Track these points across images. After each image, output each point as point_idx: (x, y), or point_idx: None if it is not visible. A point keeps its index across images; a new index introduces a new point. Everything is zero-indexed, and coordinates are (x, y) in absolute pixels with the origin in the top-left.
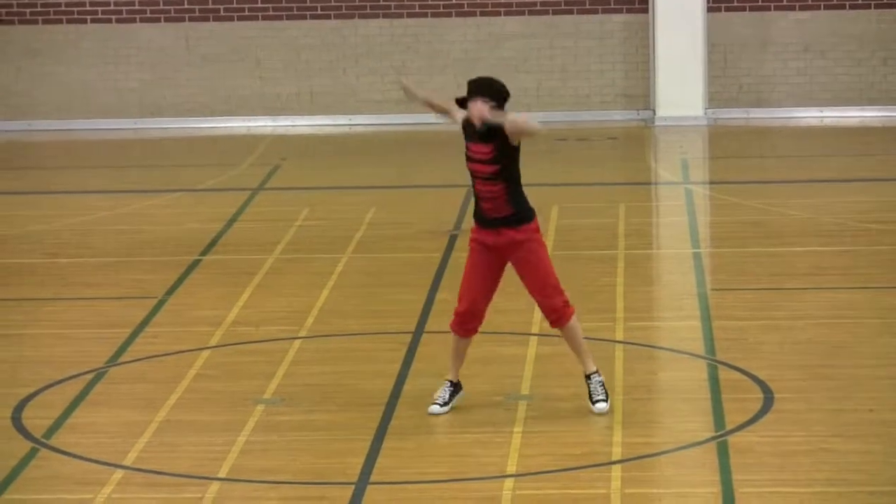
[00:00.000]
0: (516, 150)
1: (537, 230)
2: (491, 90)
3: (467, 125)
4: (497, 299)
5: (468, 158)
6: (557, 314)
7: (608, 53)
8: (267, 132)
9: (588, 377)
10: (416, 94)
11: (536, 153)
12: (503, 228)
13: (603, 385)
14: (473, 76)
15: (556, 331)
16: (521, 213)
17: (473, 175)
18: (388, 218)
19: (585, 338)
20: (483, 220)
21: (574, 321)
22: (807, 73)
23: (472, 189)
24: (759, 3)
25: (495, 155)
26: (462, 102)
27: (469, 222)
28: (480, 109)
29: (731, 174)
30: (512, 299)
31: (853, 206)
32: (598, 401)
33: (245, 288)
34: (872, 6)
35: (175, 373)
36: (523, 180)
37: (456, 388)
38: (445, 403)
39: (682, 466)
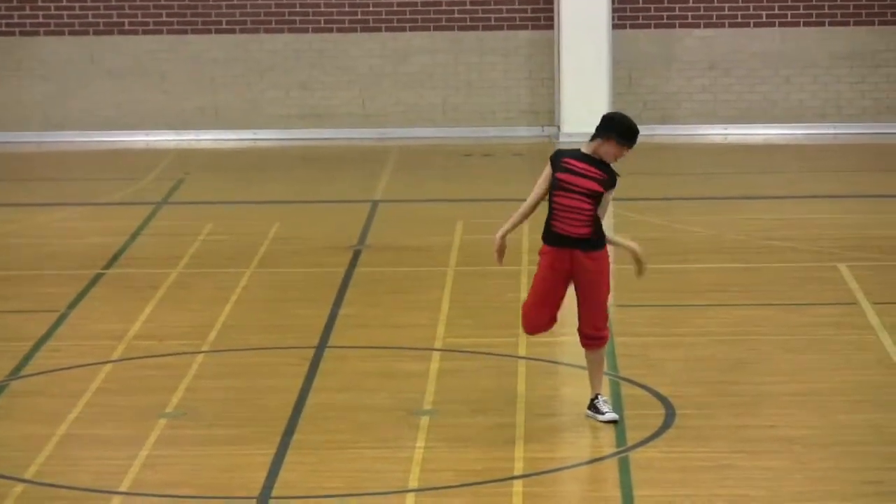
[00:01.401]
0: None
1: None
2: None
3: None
4: (401, 314)
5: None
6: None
7: (513, 69)
8: (171, 146)
9: (596, 397)
10: (505, 235)
11: (441, 168)
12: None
13: (607, 402)
14: (378, 91)
15: (458, 346)
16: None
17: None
18: (292, 233)
19: (489, 353)
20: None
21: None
22: (711, 91)
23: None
24: (664, 21)
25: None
26: (603, 135)
27: (375, 237)
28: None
29: (635, 191)
30: (414, 314)
31: (756, 223)
32: (607, 412)
33: (148, 302)
34: (776, 24)
35: (77, 387)
36: (429, 195)
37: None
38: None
39: (583, 482)
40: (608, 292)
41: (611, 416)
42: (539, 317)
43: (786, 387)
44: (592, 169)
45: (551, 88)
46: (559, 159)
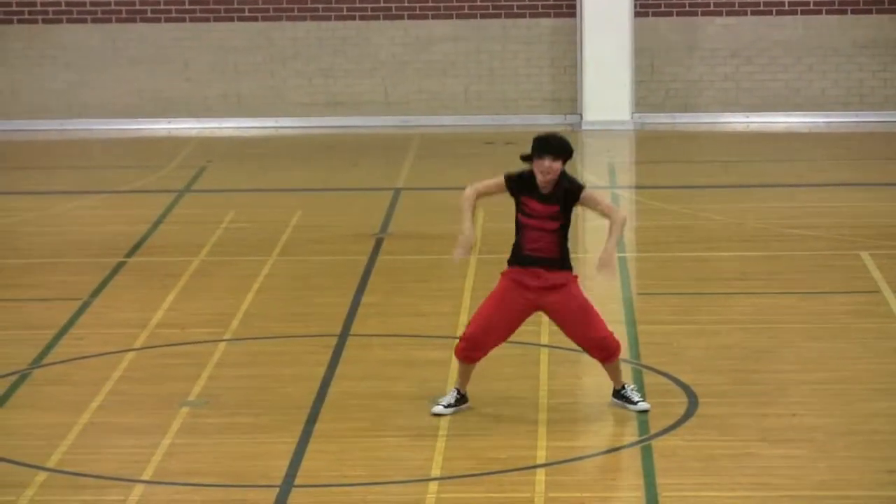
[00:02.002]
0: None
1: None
2: (560, 149)
3: (522, 183)
4: (423, 303)
5: (523, 213)
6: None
7: (536, 57)
8: (193, 134)
9: (623, 387)
10: (468, 224)
11: (464, 156)
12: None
13: (636, 391)
14: (400, 79)
15: None
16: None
17: (526, 226)
18: (314, 221)
19: (511, 341)
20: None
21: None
22: (733, 79)
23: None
24: (687, 9)
25: (559, 214)
26: (527, 158)
27: (397, 225)
28: (612, 266)
29: (658, 179)
30: (436, 303)
31: (778, 211)
32: (639, 401)
33: (170, 290)
34: (798, 12)
35: (100, 375)
36: (452, 183)
37: (462, 398)
38: (449, 406)
39: (606, 470)
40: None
41: (644, 405)
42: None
43: (808, 375)
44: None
45: (573, 76)
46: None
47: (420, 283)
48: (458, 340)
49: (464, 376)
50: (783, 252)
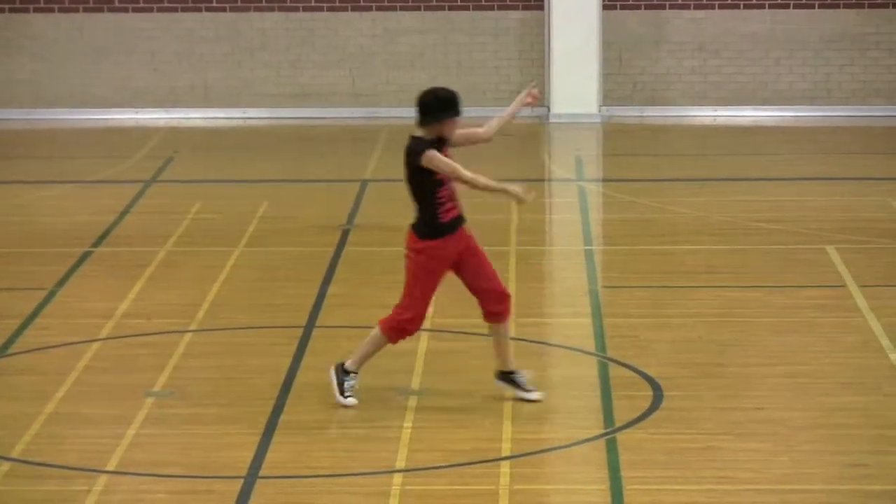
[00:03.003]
0: None
1: None
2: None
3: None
4: (389, 294)
5: (437, 182)
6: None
7: (504, 50)
8: (161, 125)
9: (515, 372)
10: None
11: None
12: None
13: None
14: (368, 70)
15: (446, 326)
16: None
17: (444, 189)
18: (280, 212)
19: (477, 333)
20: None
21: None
22: (701, 72)
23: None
24: (655, 2)
25: None
26: (436, 119)
27: (364, 217)
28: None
29: (625, 172)
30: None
31: (745, 205)
32: (534, 390)
33: (136, 280)
34: (766, 6)
35: (64, 365)
36: None
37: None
38: (352, 391)
39: (570, 463)
40: None
41: (538, 394)
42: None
43: (773, 369)
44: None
45: (541, 69)
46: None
47: (386, 274)
48: (400, 323)
49: (507, 349)
50: (749, 246)
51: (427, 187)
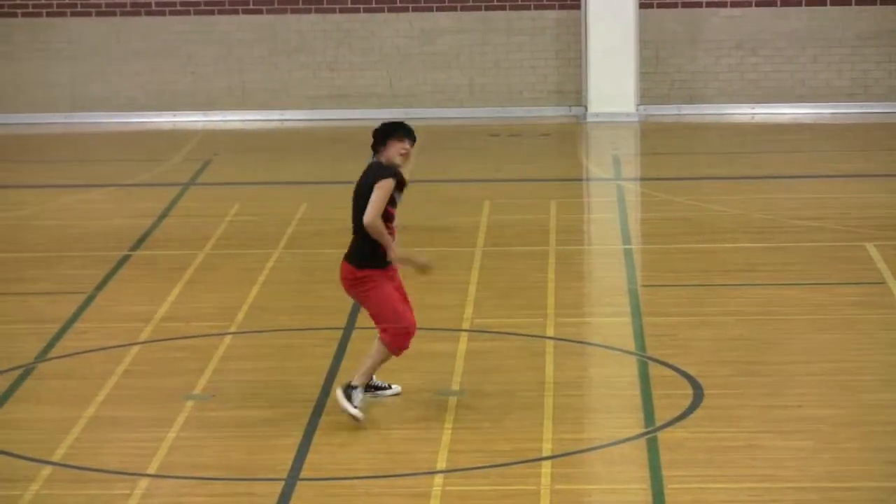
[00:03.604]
0: None
1: None
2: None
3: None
4: (428, 296)
5: (393, 205)
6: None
7: (540, 49)
8: (198, 127)
9: (355, 387)
10: (397, 249)
11: (469, 149)
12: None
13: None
14: (405, 71)
15: (486, 326)
16: None
17: (391, 220)
18: (319, 214)
19: (517, 333)
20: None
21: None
22: (738, 70)
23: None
24: (691, 0)
25: None
26: (384, 143)
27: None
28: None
29: (663, 170)
30: (441, 295)
31: (784, 202)
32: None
33: (175, 284)
34: (803, 4)
35: (104, 369)
36: (456, 176)
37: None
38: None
39: (611, 463)
40: None
41: (358, 413)
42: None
43: (813, 367)
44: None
45: (578, 68)
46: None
47: (425, 275)
48: (397, 337)
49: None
50: (788, 243)
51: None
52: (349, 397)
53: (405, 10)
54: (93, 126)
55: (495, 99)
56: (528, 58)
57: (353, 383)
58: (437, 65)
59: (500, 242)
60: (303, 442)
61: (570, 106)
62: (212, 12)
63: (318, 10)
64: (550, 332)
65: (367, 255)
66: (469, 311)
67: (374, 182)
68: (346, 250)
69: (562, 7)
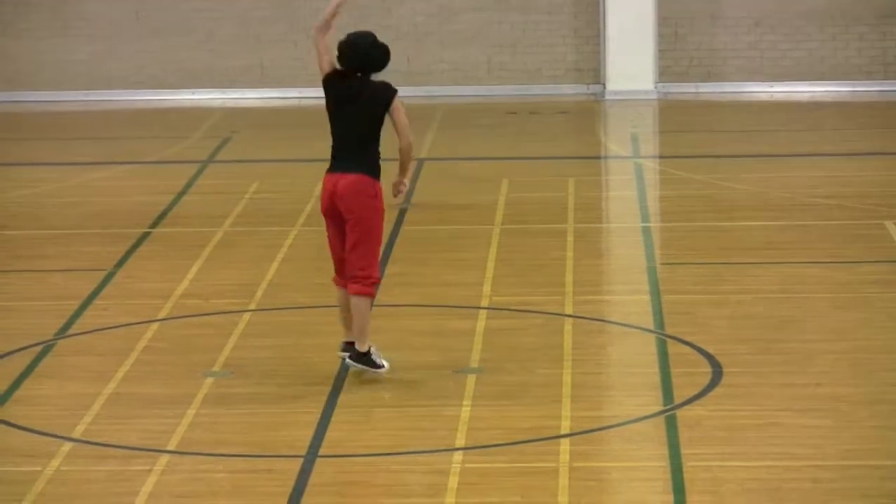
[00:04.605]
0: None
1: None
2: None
3: None
4: (447, 273)
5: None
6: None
7: (558, 27)
8: (217, 105)
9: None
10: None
11: (486, 126)
12: None
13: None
14: (422, 50)
15: (505, 304)
16: None
17: None
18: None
19: (535, 311)
20: None
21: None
22: (757, 48)
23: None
24: None
25: None
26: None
27: (421, 195)
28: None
29: (681, 148)
30: (461, 272)
31: (803, 180)
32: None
33: (194, 261)
34: None
35: (124, 345)
36: (475, 154)
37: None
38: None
39: (630, 440)
40: None
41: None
42: None
43: (832, 345)
44: None
45: (596, 46)
46: None
47: (444, 252)
48: (375, 281)
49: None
50: (807, 221)
51: (380, 126)
52: (371, 362)
53: None
54: (111, 104)
55: (513, 77)
56: (547, 35)
57: (363, 349)
58: (454, 43)
59: (519, 220)
60: (322, 419)
61: (588, 84)
62: None
63: None
64: (569, 309)
65: (375, 166)
66: (487, 288)
67: (389, 99)
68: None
69: None
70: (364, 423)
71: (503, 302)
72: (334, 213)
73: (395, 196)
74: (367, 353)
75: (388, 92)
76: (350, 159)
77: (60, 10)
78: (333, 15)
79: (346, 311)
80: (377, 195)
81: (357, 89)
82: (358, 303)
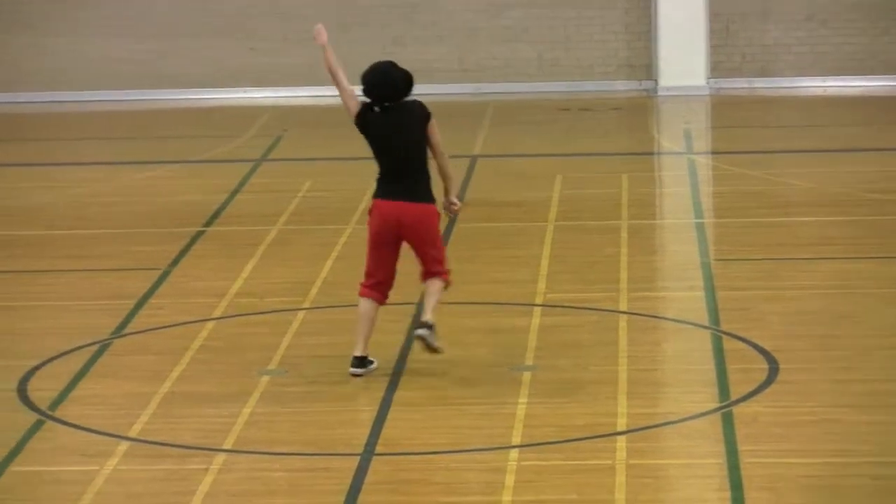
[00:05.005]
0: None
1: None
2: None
3: None
4: (501, 270)
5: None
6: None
7: (610, 23)
8: (269, 103)
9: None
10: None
11: (539, 123)
12: None
13: None
14: (474, 46)
15: (559, 301)
16: None
17: None
18: None
19: (590, 308)
20: None
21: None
22: (809, 43)
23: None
24: None
25: None
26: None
27: (474, 192)
28: None
29: (734, 144)
30: (514, 270)
31: (857, 175)
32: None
33: (248, 259)
34: None
35: (179, 344)
36: (527, 150)
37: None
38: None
39: (686, 437)
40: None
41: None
42: None
43: (888, 340)
44: None
45: (648, 42)
46: None
47: (497, 250)
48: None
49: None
50: (863, 217)
51: (426, 145)
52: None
53: None
54: (164, 103)
55: (565, 73)
56: (598, 31)
57: (431, 321)
58: (505, 39)
59: (572, 217)
60: (378, 416)
61: (640, 80)
62: None
63: None
64: (623, 306)
65: (430, 190)
66: (542, 285)
67: (426, 120)
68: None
69: None
70: (420, 421)
71: (557, 299)
72: (395, 239)
73: (450, 215)
74: (431, 326)
75: (423, 111)
76: (410, 187)
77: (106, 9)
78: (328, 57)
79: (368, 324)
80: (438, 214)
81: (394, 119)
82: (441, 286)
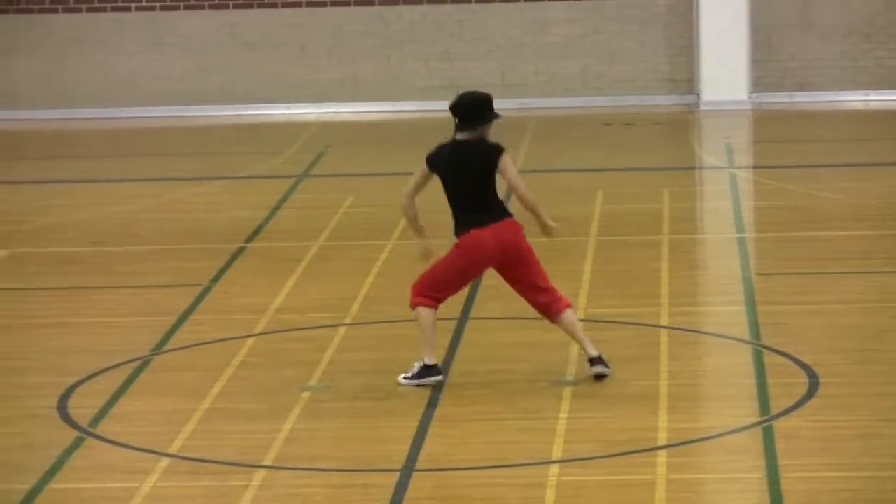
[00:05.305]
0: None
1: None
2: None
3: None
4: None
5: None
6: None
7: (652, 38)
8: (311, 119)
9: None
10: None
11: (580, 138)
12: None
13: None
14: (517, 61)
15: (600, 316)
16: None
17: None
18: (432, 204)
19: (632, 323)
20: None
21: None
22: (851, 57)
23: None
24: None
25: None
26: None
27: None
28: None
29: (776, 158)
30: (556, 284)
31: None
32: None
33: (290, 275)
34: None
35: (220, 360)
36: (569, 165)
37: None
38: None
39: (727, 452)
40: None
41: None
42: None
43: None
44: None
45: (690, 56)
46: None
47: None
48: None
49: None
50: None
51: (494, 179)
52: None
53: (517, 0)
54: (206, 119)
55: (608, 87)
56: (640, 46)
57: (597, 354)
58: (549, 54)
59: (614, 231)
60: (418, 432)
61: (682, 94)
62: (324, 4)
63: (429, 1)
64: (664, 321)
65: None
66: (583, 300)
67: (496, 161)
68: (453, 241)
69: None
70: (461, 437)
71: (599, 314)
72: (493, 262)
73: (553, 236)
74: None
75: (494, 154)
76: (492, 210)
77: (155, 26)
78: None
79: (435, 331)
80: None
81: (465, 156)
82: (574, 315)
